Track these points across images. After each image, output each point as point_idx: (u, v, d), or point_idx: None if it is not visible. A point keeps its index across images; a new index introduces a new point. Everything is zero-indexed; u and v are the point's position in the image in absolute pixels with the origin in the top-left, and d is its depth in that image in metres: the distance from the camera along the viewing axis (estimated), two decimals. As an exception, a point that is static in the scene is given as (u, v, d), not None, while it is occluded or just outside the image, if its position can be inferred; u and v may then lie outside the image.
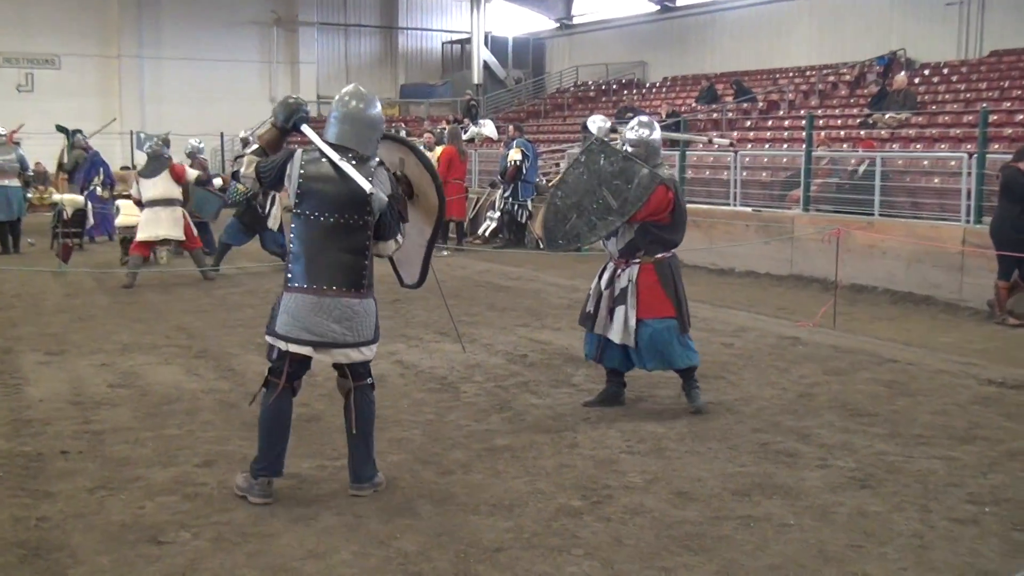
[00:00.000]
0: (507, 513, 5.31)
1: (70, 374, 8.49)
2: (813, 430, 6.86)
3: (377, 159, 5.48)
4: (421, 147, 6.24)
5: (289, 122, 5.66)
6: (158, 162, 13.79)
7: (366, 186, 5.19)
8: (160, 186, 13.59)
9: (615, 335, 7.17)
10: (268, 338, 5.52)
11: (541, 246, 18.44)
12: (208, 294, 12.80)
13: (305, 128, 5.60)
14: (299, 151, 5.51)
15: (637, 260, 7.18)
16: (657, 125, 7.42)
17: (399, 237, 5.54)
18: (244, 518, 5.23)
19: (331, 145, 5.40)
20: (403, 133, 23.39)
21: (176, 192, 13.70)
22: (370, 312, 5.46)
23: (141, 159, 20.98)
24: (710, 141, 8.47)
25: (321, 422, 6.94)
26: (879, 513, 5.33)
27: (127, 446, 6.47)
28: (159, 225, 13.63)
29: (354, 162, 5.33)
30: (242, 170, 5.86)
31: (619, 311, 7.16)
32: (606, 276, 7.33)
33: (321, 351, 5.40)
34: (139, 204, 14.09)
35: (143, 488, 5.68)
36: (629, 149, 7.24)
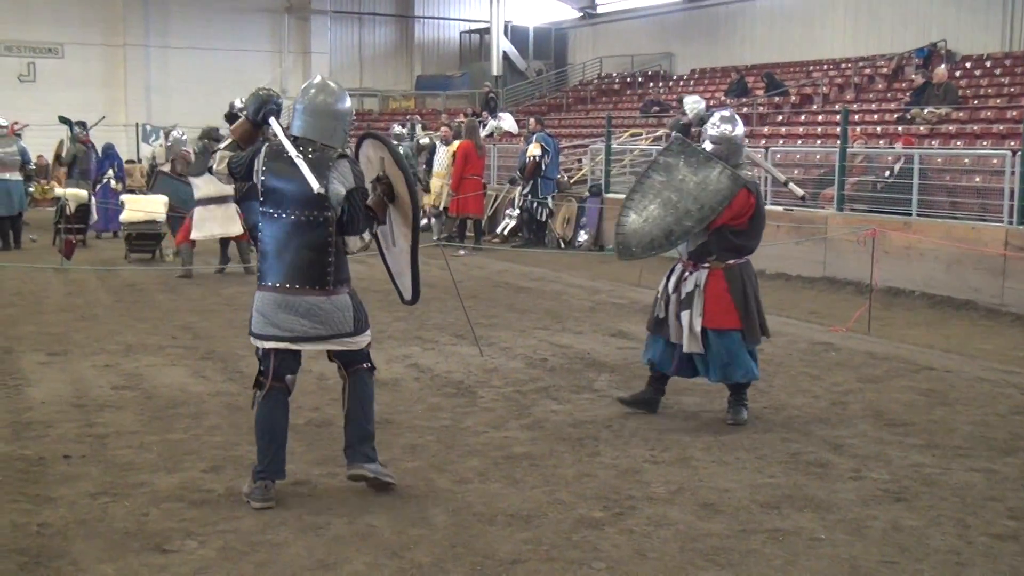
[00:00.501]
0: (525, 524, 5.32)
1: (72, 375, 8.54)
2: (846, 440, 6.85)
3: (339, 151, 5.52)
4: (406, 142, 6.28)
5: (259, 114, 5.74)
6: (204, 159, 13.82)
7: (313, 184, 5.25)
8: (213, 183, 13.53)
9: (685, 343, 7.09)
10: (250, 339, 5.70)
11: (562, 245, 18.49)
12: (215, 293, 12.86)
13: (272, 121, 5.68)
14: (265, 145, 5.61)
15: (707, 264, 7.10)
16: (739, 120, 7.31)
17: (366, 235, 5.55)
18: (252, 526, 5.25)
19: (295, 138, 5.51)
20: (419, 127, 23.46)
21: (228, 188, 13.67)
22: (342, 307, 5.55)
23: (146, 152, 21.18)
24: (786, 184, 8.43)
25: (332, 427, 6.96)
26: (915, 528, 5.32)
27: (131, 450, 6.50)
28: (214, 223, 13.94)
29: (313, 155, 5.42)
30: (215, 166, 5.95)
31: (684, 316, 7.09)
32: (673, 279, 7.24)
33: (299, 344, 5.54)
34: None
35: (147, 494, 5.71)
36: (710, 147, 7.15)
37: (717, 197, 6.92)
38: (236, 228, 14.06)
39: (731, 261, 7.08)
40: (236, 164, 5.72)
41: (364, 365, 5.74)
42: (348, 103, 5.68)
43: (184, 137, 17.63)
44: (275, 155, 5.51)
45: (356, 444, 5.74)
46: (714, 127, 7.19)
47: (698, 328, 7.03)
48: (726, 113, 7.34)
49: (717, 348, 7.05)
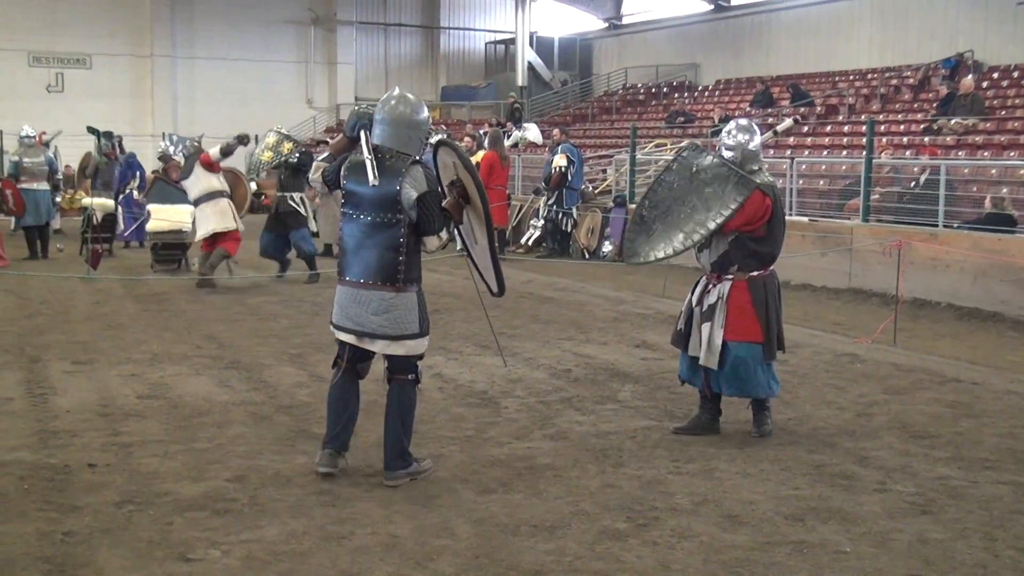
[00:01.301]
0: (548, 535, 5.32)
1: (98, 384, 8.59)
2: (871, 452, 6.81)
3: (414, 158, 6.02)
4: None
5: (354, 130, 6.25)
6: (189, 161, 14.22)
7: (371, 176, 5.89)
8: (201, 182, 13.82)
9: (702, 356, 7.03)
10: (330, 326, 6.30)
11: (586, 256, 18.48)
12: (240, 303, 12.91)
13: (363, 133, 6.14)
14: (350, 155, 6.19)
15: (730, 276, 7.02)
16: (757, 129, 7.23)
17: (443, 235, 6.06)
18: (275, 535, 5.27)
19: (375, 146, 6.03)
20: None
21: (215, 183, 13.87)
22: (409, 306, 6.01)
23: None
24: (775, 134, 8.43)
25: (356, 437, 6.96)
26: (940, 541, 5.28)
27: (156, 459, 6.53)
28: (209, 220, 13.85)
29: (389, 162, 5.97)
30: (311, 175, 6.47)
31: (705, 328, 7.02)
32: (697, 291, 7.18)
33: (366, 341, 6.02)
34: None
35: (172, 503, 5.73)
36: (726, 155, 7.07)
37: (728, 199, 6.84)
38: (229, 222, 13.92)
39: (755, 273, 7.00)
40: (328, 173, 6.27)
41: (409, 376, 6.12)
42: (424, 114, 6.16)
43: (177, 148, 17.72)
44: (356, 162, 6.08)
45: (386, 454, 6.13)
46: (729, 135, 7.10)
47: (718, 341, 6.97)
48: (743, 122, 7.25)
49: (735, 362, 6.97)
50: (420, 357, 6.19)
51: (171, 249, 16.10)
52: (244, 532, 5.32)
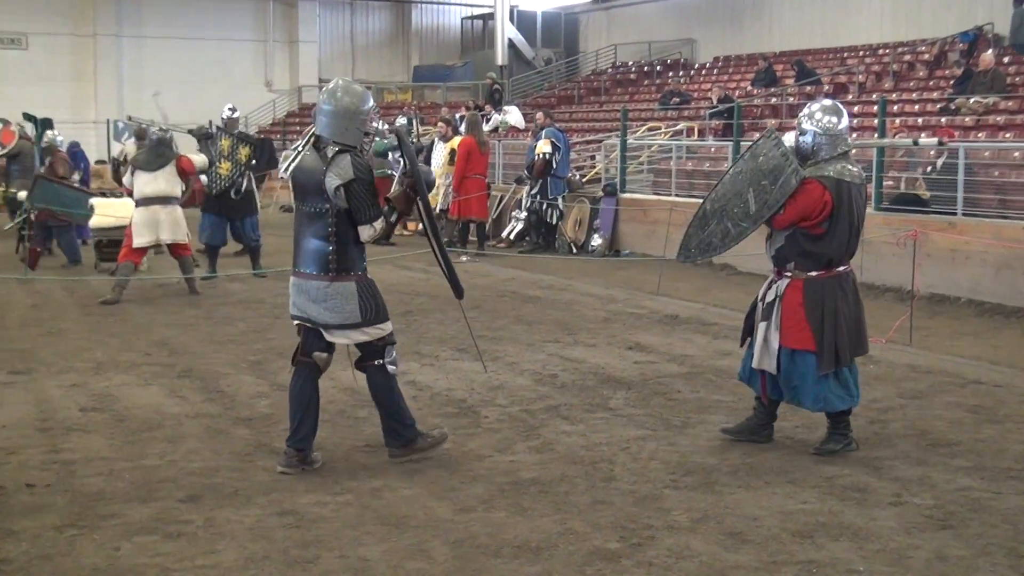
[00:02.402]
0: (534, 556, 5.31)
1: (37, 396, 8.55)
2: (886, 462, 6.82)
3: (343, 147, 6.48)
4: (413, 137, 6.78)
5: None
6: (163, 153, 13.47)
7: (280, 169, 6.61)
8: (162, 181, 13.26)
9: (756, 357, 7.03)
10: None
11: (574, 250, 18.50)
12: (194, 306, 12.87)
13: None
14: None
15: (788, 274, 7.00)
16: (843, 111, 7.08)
17: (377, 224, 6.49)
18: (233, 561, 5.24)
19: (316, 137, 6.58)
20: (414, 122, 23.49)
21: (177, 190, 13.46)
22: (346, 294, 6.52)
23: (117, 151, 21.11)
24: (915, 143, 8.45)
25: (321, 451, 6.95)
26: (962, 558, 5.29)
27: (101, 478, 6.50)
28: (159, 227, 13.22)
29: (321, 151, 6.50)
30: (281, 171, 6.89)
31: (762, 327, 7.02)
32: (764, 287, 7.18)
33: (323, 330, 6.58)
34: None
35: (119, 527, 5.70)
36: (802, 140, 6.97)
37: (777, 193, 6.77)
38: (180, 234, 13.40)
39: (813, 273, 6.93)
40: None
41: (375, 362, 6.66)
42: (368, 104, 6.60)
43: (60, 138, 17.64)
44: (300, 153, 6.61)
45: (386, 437, 6.81)
46: (809, 119, 6.97)
47: (774, 344, 6.94)
48: (828, 103, 7.13)
49: (788, 368, 6.95)
50: (385, 342, 6.66)
51: (117, 247, 16.00)
52: (199, 558, 5.29)
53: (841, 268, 7.01)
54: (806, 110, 7.10)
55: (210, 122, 16.44)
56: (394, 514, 5.86)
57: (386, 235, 6.95)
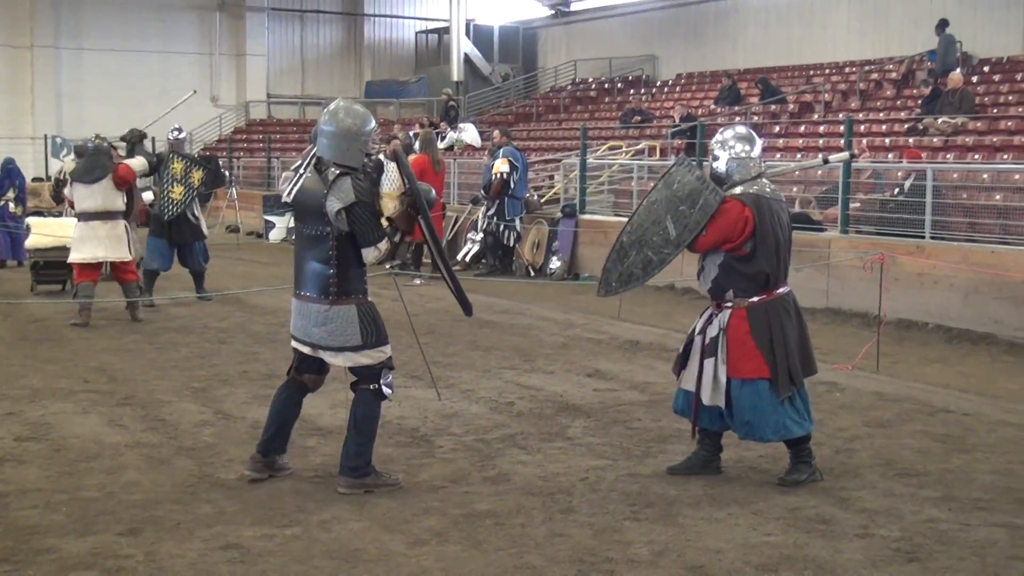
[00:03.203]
0: (489, 591, 5.30)
1: (-31, 425, 8.47)
2: (852, 493, 6.87)
3: (344, 170, 6.62)
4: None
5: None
6: (100, 164, 13.13)
7: (284, 193, 6.78)
8: (99, 195, 12.96)
9: (704, 393, 7.04)
10: None
11: (531, 273, 18.52)
12: (135, 331, 12.78)
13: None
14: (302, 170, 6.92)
15: (729, 304, 7.04)
16: (756, 138, 7.25)
17: (381, 246, 6.65)
18: (175, 597, 5.21)
19: (318, 159, 6.75)
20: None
21: (119, 203, 13.12)
22: (347, 318, 6.68)
23: (56, 168, 20.94)
24: (825, 162, 8.61)
25: (268, 482, 6.93)
26: (930, 592, 5.33)
27: (36, 511, 6.44)
28: (98, 244, 12.95)
29: (322, 173, 6.65)
30: (281, 189, 7.09)
31: (708, 365, 7.04)
32: (702, 319, 7.22)
33: (321, 352, 6.79)
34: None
35: (55, 561, 5.65)
36: (716, 166, 7.10)
37: (696, 215, 6.88)
38: (123, 251, 13.06)
39: (755, 299, 6.99)
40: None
41: (370, 386, 6.82)
42: (370, 125, 6.80)
43: (62, 152, 17.53)
44: (302, 174, 6.81)
45: (341, 460, 6.85)
46: (722, 146, 7.12)
47: (723, 379, 6.98)
48: (741, 130, 7.27)
49: (740, 401, 6.98)
50: (383, 367, 6.84)
51: (55, 268, 15.90)
52: (139, 594, 5.26)
53: (780, 290, 7.09)
54: (719, 136, 7.26)
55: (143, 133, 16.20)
56: (344, 548, 5.84)
57: (391, 255, 7.05)
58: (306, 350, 6.85)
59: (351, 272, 6.71)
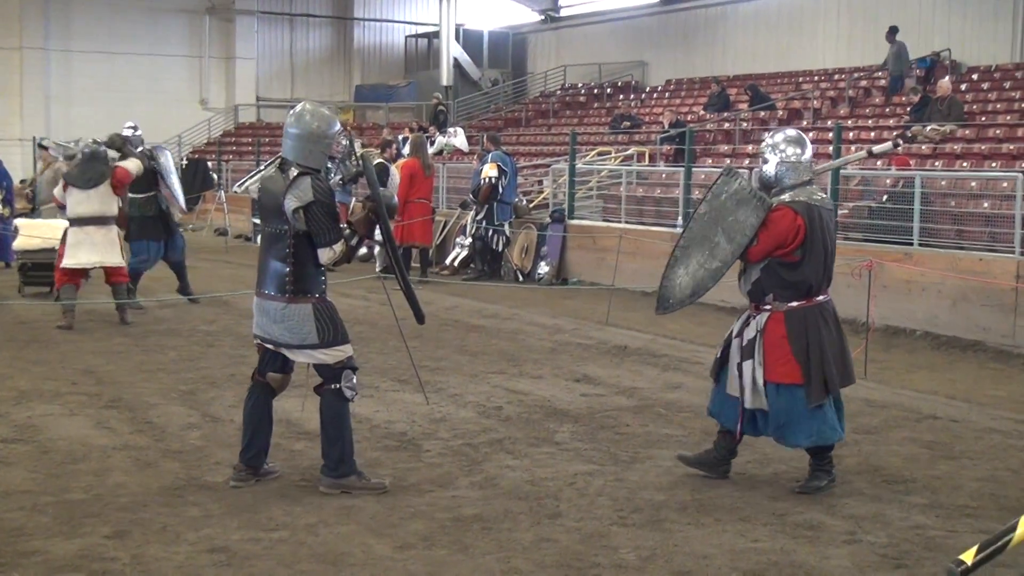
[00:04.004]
0: (476, 596, 5.30)
1: (-45, 426, 8.45)
2: (839, 499, 6.89)
3: (303, 170, 6.74)
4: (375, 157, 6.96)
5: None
6: (96, 169, 13.02)
7: (247, 183, 6.65)
8: (96, 200, 12.87)
9: (746, 397, 7.04)
10: None
11: (520, 278, 18.52)
12: (123, 333, 12.76)
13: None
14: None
15: (768, 307, 7.05)
16: (806, 140, 7.22)
17: (336, 247, 6.72)
18: (161, 600, 5.20)
19: (282, 159, 6.87)
20: (357, 144, 23.47)
21: (114, 208, 13.08)
22: (302, 316, 6.77)
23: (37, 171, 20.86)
24: (870, 154, 8.68)
25: (256, 487, 6.92)
26: (916, 598, 5.34)
27: (22, 513, 6.43)
28: (93, 249, 12.84)
29: (284, 173, 6.78)
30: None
31: (747, 367, 7.05)
32: (739, 322, 7.24)
33: (277, 347, 6.89)
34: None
35: (41, 564, 5.64)
36: (765, 170, 7.10)
37: (745, 226, 6.88)
38: (116, 257, 13.05)
39: (794, 304, 6.99)
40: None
41: (332, 386, 6.87)
42: (335, 128, 6.92)
43: (58, 154, 17.41)
44: (266, 174, 6.99)
45: (323, 466, 6.92)
46: (771, 150, 7.10)
47: (761, 381, 6.99)
48: (792, 133, 7.26)
49: (775, 405, 6.98)
50: (343, 367, 6.87)
51: (43, 270, 15.86)
52: (125, 596, 5.25)
53: (820, 297, 7.09)
54: (769, 140, 7.23)
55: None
56: (331, 552, 5.84)
57: (348, 258, 7.04)
58: (269, 346, 6.94)
59: (308, 271, 6.79)
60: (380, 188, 6.96)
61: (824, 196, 7.24)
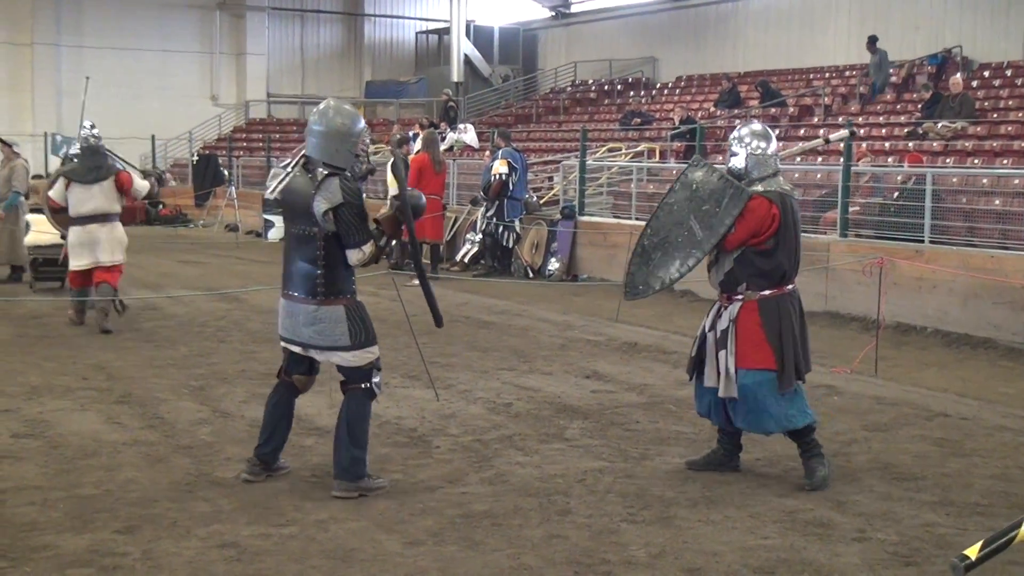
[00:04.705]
0: (485, 592, 5.30)
1: (-33, 421, 8.47)
2: (849, 496, 6.87)
3: (332, 170, 6.62)
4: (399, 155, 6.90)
5: None
6: (99, 164, 12.58)
7: (268, 190, 6.77)
8: (99, 197, 12.40)
9: (720, 387, 7.09)
10: None
11: (530, 274, 18.51)
12: (133, 327, 12.77)
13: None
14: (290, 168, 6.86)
15: (740, 297, 7.11)
16: (771, 134, 7.32)
17: (365, 248, 6.64)
18: (172, 596, 5.21)
19: (306, 159, 6.74)
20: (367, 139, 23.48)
21: (117, 205, 12.61)
22: (335, 318, 6.68)
23: (55, 165, 20.89)
24: (827, 142, 8.72)
25: (266, 482, 6.93)
26: (927, 596, 5.33)
27: (33, 508, 6.44)
28: (98, 248, 12.37)
29: (311, 173, 6.65)
30: (267, 191, 6.97)
31: (722, 357, 7.10)
32: (711, 315, 7.28)
33: (311, 351, 6.81)
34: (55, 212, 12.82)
35: (52, 559, 5.65)
36: (733, 163, 7.19)
37: (723, 214, 6.96)
38: (120, 255, 12.58)
39: (766, 292, 7.08)
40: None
41: (362, 386, 6.80)
42: (360, 125, 6.81)
43: (63, 148, 17.30)
44: (292, 175, 6.76)
45: (335, 464, 6.77)
46: (738, 142, 7.20)
47: (732, 370, 7.04)
48: (756, 127, 7.36)
49: (744, 391, 7.03)
50: (372, 367, 6.80)
51: (54, 266, 15.89)
52: (135, 592, 5.25)
53: (790, 286, 7.20)
54: (736, 133, 7.34)
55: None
56: (341, 547, 5.84)
57: (376, 258, 6.92)
58: (296, 349, 6.86)
59: (339, 272, 6.72)
60: (409, 189, 6.84)
61: (791, 187, 7.38)
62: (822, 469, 7.08)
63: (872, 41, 23.65)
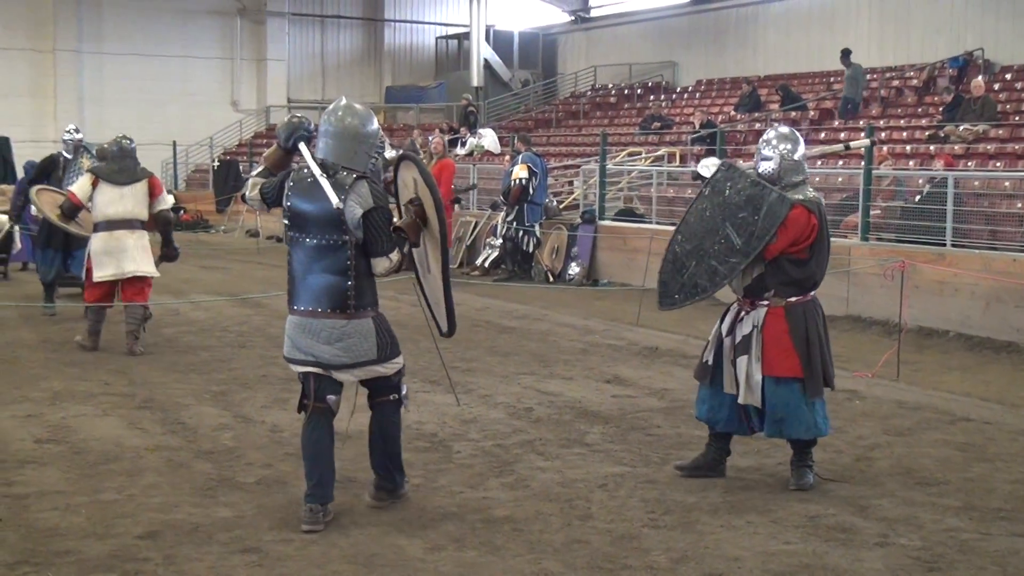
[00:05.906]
0: (507, 598, 5.30)
1: (-10, 427, 8.50)
2: (872, 501, 6.85)
3: (360, 173, 6.23)
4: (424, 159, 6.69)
5: (289, 141, 6.50)
6: (130, 165, 11.64)
7: (332, 198, 6.06)
8: (130, 200, 11.44)
9: (740, 394, 7.04)
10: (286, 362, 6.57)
11: (550, 279, 18.50)
12: (154, 333, 12.77)
13: (302, 146, 6.44)
14: (293, 170, 6.40)
15: (765, 302, 7.05)
16: (800, 137, 7.24)
17: (393, 256, 6.24)
18: (194, 601, 5.22)
19: (320, 162, 6.27)
20: (387, 144, 23.51)
21: (146, 212, 11.57)
22: (364, 332, 6.29)
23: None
24: (847, 148, 8.67)
25: (287, 486, 6.94)
26: (950, 601, 5.31)
27: (56, 513, 6.46)
28: (124, 257, 11.34)
29: (332, 177, 6.18)
30: (247, 193, 6.60)
31: (741, 362, 7.04)
32: (728, 320, 7.21)
33: (328, 370, 6.31)
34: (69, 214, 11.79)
35: (74, 564, 5.67)
36: (763, 167, 7.09)
37: (765, 222, 6.86)
38: (150, 266, 11.53)
39: (793, 299, 7.02)
40: (268, 189, 6.46)
41: (391, 397, 6.55)
42: (373, 126, 6.44)
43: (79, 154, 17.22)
44: (300, 178, 6.30)
45: (377, 481, 6.62)
46: (768, 146, 7.09)
47: (757, 377, 6.98)
48: (785, 130, 7.26)
49: (773, 399, 6.98)
50: (399, 377, 6.54)
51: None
52: (157, 597, 5.26)
53: (814, 293, 7.16)
54: (765, 136, 7.24)
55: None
56: (362, 553, 5.84)
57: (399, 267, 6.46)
58: (314, 369, 6.31)
59: (366, 283, 6.31)
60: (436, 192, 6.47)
61: (818, 193, 7.32)
62: (810, 475, 7.11)
63: (845, 54, 23.53)
